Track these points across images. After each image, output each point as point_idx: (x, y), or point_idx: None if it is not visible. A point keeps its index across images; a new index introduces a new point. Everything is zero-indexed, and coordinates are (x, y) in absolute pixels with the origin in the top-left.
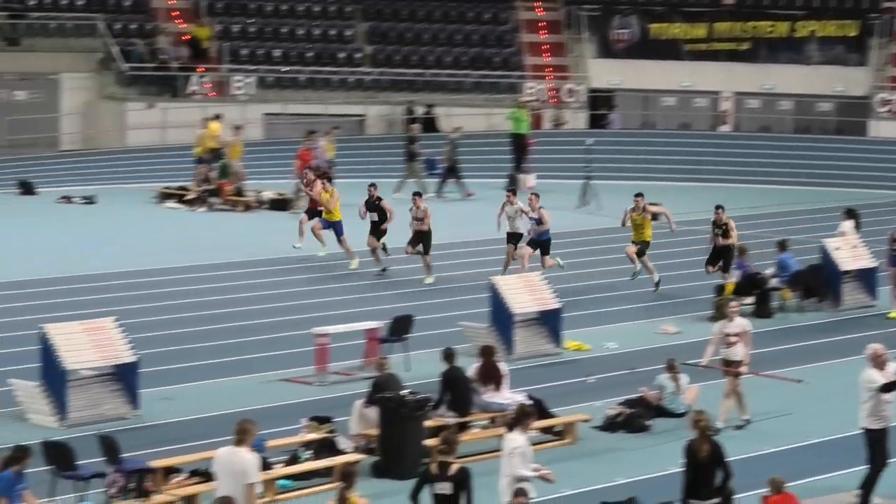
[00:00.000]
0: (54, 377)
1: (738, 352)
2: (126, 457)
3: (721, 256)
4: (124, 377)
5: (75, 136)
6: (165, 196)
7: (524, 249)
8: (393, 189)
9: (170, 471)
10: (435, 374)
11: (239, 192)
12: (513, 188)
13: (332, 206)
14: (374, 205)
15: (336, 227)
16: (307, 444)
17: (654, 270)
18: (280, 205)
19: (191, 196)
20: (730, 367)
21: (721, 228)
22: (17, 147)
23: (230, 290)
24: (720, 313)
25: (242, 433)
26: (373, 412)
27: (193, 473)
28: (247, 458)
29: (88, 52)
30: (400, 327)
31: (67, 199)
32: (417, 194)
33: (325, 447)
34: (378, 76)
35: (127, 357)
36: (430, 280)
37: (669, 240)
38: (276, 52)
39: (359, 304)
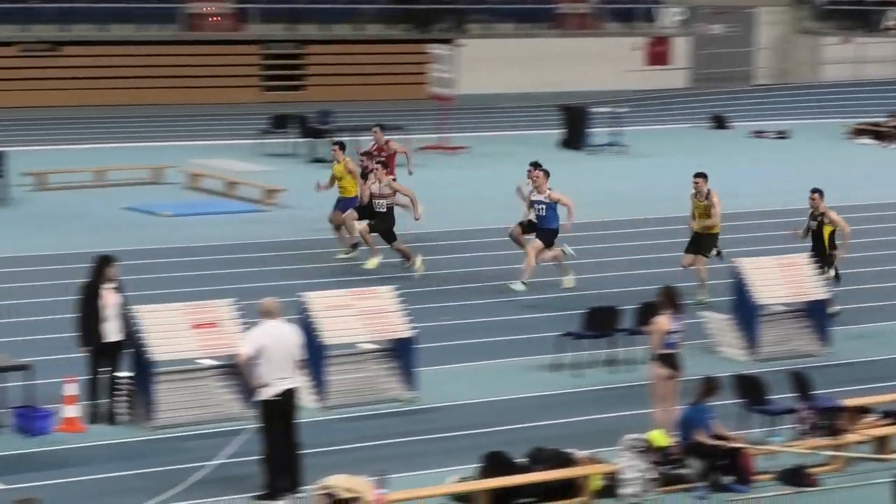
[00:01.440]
0: (746, 311)
1: None
2: (817, 394)
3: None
4: (815, 314)
5: (769, 71)
6: (858, 132)
7: (535, 244)
8: None
9: (861, 411)
10: None
11: None
12: (535, 162)
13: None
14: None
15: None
16: None
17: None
18: None
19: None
20: None
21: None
22: (711, 81)
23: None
24: None
25: None
26: None
27: (886, 415)
28: None
29: None
30: None
31: (759, 133)
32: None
33: None
34: None
35: (817, 294)
36: (373, 263)
37: None
38: None
39: None
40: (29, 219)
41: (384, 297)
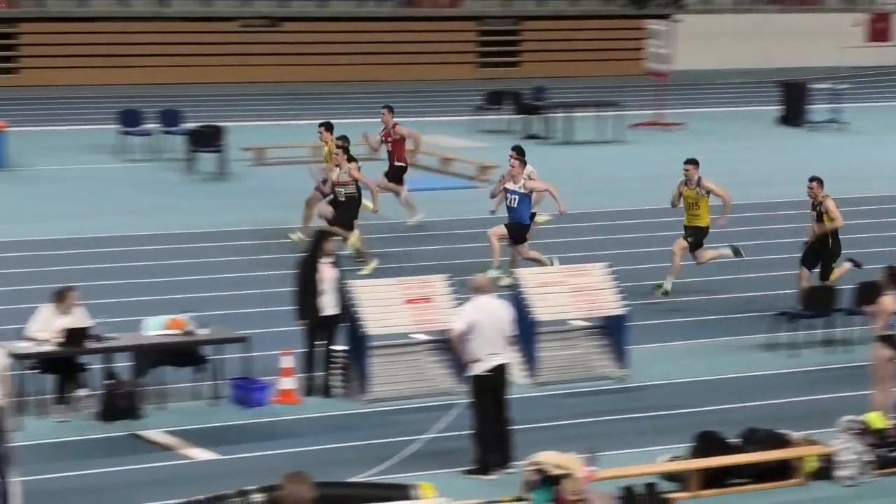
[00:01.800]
0: None
1: None
2: None
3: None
4: None
5: None
6: None
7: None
8: None
9: None
10: None
11: None
12: (517, 147)
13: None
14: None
15: None
16: None
17: (712, 257)
18: None
19: None
20: None
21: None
22: None
23: None
24: None
25: None
26: None
27: None
28: None
29: None
30: None
31: None
32: (343, 138)
33: None
34: None
35: None
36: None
37: None
38: None
39: None
40: (247, 193)
41: (596, 275)
